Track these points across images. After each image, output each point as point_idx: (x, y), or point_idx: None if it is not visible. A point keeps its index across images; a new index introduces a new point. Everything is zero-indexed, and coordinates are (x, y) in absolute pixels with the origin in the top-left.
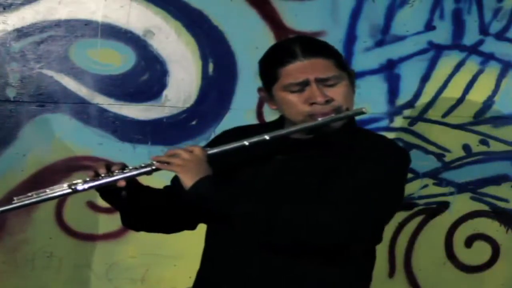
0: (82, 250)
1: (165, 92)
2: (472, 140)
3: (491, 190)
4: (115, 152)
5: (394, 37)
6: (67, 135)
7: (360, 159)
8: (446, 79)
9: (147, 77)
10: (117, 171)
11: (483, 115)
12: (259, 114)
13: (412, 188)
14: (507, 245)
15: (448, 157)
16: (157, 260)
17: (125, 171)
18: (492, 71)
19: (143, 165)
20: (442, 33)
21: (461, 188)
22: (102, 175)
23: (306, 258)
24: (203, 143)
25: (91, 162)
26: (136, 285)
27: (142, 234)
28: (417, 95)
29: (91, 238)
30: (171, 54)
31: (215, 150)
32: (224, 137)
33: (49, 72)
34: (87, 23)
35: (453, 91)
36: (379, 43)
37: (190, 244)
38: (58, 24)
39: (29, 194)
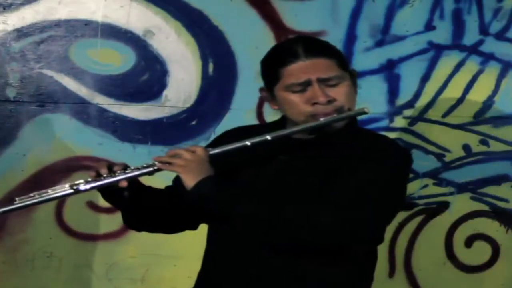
0: (82, 250)
1: (165, 92)
2: (472, 140)
3: (491, 190)
4: (115, 152)
5: (394, 37)
6: (67, 135)
7: (362, 159)
8: (446, 79)
9: (147, 77)
10: (119, 172)
11: (483, 115)
12: (259, 114)
13: (412, 188)
14: (507, 245)
15: (448, 157)
16: (157, 260)
17: (127, 171)
18: (492, 71)
19: (145, 165)
20: (442, 33)
21: (461, 188)
22: (104, 175)
23: (307, 258)
24: (203, 143)
25: (91, 162)
26: (136, 285)
27: (142, 234)
28: (417, 95)
29: (91, 238)
30: (171, 54)
31: (217, 150)
32: (225, 137)
33: (49, 72)
34: (87, 23)
35: (453, 91)
36: (379, 43)
37: (190, 244)
38: (58, 24)
39: (31, 194)
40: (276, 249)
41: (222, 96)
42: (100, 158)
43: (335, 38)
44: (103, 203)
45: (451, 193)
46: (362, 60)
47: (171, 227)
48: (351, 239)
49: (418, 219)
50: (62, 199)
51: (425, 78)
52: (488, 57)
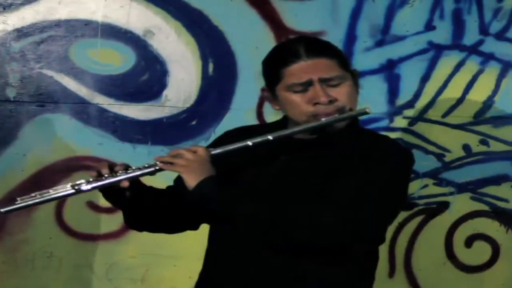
0: (82, 250)
1: (165, 92)
2: (472, 140)
3: (491, 190)
4: (115, 152)
5: (394, 37)
6: (67, 135)
7: (363, 160)
8: (446, 79)
9: (147, 77)
10: (120, 172)
11: (483, 115)
12: (259, 114)
13: (412, 188)
14: (507, 245)
15: (448, 157)
16: (157, 260)
17: (128, 171)
18: (492, 71)
19: (146, 165)
20: (442, 33)
21: (461, 188)
22: (106, 175)
23: (309, 258)
24: (203, 143)
25: (91, 162)
26: (136, 285)
27: (142, 234)
28: (417, 95)
29: (91, 238)
30: (171, 54)
31: (218, 150)
32: (227, 137)
33: (49, 72)
34: (87, 23)
35: (453, 91)
36: (379, 43)
37: (190, 244)
38: (58, 24)
39: (33, 194)
40: (278, 249)
41: (222, 96)
42: (100, 158)
43: (335, 38)
44: (103, 203)
45: (451, 193)
46: (362, 60)
47: (173, 227)
48: (352, 239)
49: (418, 219)
50: (62, 199)
51: (425, 78)
52: (488, 57)
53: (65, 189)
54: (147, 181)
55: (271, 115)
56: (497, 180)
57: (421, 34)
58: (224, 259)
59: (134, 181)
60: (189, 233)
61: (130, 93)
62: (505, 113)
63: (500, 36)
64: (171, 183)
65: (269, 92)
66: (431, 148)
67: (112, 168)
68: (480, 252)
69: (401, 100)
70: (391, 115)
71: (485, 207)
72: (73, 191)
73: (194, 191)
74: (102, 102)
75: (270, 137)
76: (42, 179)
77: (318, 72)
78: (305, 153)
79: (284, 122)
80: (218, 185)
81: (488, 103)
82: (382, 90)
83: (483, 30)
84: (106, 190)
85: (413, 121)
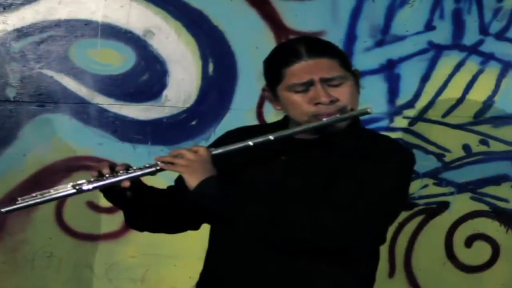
0: (82, 250)
1: (165, 92)
2: (472, 140)
3: (491, 190)
4: (115, 152)
5: (394, 37)
6: (67, 135)
7: (365, 160)
8: (446, 79)
9: (147, 77)
10: (121, 172)
11: (483, 115)
12: (259, 114)
13: (412, 188)
14: (507, 245)
15: (448, 157)
16: (157, 260)
17: (129, 171)
18: (492, 71)
19: (147, 165)
20: (442, 33)
21: (461, 188)
22: (107, 175)
23: (309, 258)
24: (203, 143)
25: (91, 162)
26: (136, 285)
27: (142, 234)
28: (417, 95)
29: (91, 238)
30: (171, 54)
31: (219, 150)
32: (227, 137)
33: (49, 72)
34: (87, 23)
35: (453, 91)
36: (379, 43)
37: (190, 244)
38: (58, 24)
39: (33, 194)
40: (278, 249)
41: (222, 96)
42: (100, 158)
43: (335, 38)
44: (103, 203)
45: (451, 193)
46: (362, 60)
47: (173, 227)
48: (352, 240)
49: (418, 219)
50: (62, 199)
51: (425, 78)
52: (488, 57)
53: (66, 189)
54: (148, 181)
55: (271, 115)
56: (497, 180)
57: (421, 34)
58: (225, 259)
59: (135, 181)
60: (189, 233)
61: (130, 93)
62: (505, 113)
63: (500, 36)
64: (172, 183)
65: (270, 92)
66: (431, 148)
67: (113, 168)
68: (480, 252)
69: (401, 100)
70: (391, 115)
71: (485, 207)
72: (74, 191)
73: (195, 191)
74: (102, 102)
75: (271, 137)
76: (42, 179)
77: (319, 72)
78: (306, 153)
79: (285, 122)
80: (219, 185)
81: (488, 103)
82: (382, 90)
83: (483, 30)
84: (107, 190)
85: (413, 121)
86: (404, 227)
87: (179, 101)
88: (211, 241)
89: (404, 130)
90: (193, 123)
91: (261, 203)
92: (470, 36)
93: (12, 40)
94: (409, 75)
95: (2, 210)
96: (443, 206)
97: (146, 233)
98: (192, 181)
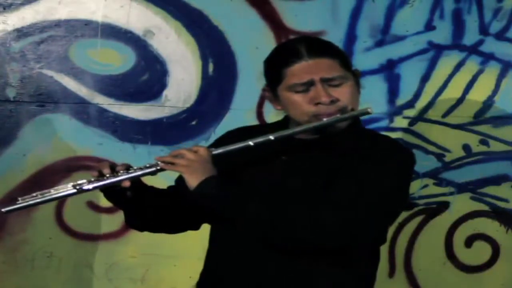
0: (82, 250)
1: (165, 92)
2: (472, 140)
3: (491, 190)
4: (115, 152)
5: (394, 37)
6: (67, 135)
7: (365, 160)
8: (446, 79)
9: (147, 77)
10: (121, 172)
11: (483, 115)
12: (259, 114)
13: (412, 188)
14: (507, 245)
15: (448, 157)
16: (157, 260)
17: (129, 171)
18: (492, 71)
19: (147, 165)
20: (442, 33)
21: (461, 188)
22: (107, 175)
23: (309, 258)
24: (203, 143)
25: (91, 162)
26: (136, 285)
27: (142, 234)
28: (417, 95)
29: (91, 238)
30: (171, 54)
31: (219, 150)
32: (228, 137)
33: (49, 72)
34: (87, 23)
35: (453, 91)
36: (379, 43)
37: (190, 244)
38: (58, 24)
39: (34, 194)
40: (278, 249)
41: (222, 96)
42: (100, 158)
43: (335, 38)
44: (103, 203)
45: (451, 193)
46: (362, 60)
47: (174, 227)
48: (352, 240)
49: (418, 219)
50: (62, 199)
51: (425, 78)
52: (488, 57)
53: (66, 189)
54: (148, 181)
55: (271, 115)
56: (497, 180)
57: (421, 34)
58: (225, 259)
59: (136, 181)
60: (189, 233)
61: (130, 93)
62: (505, 113)
63: (500, 36)
64: (172, 183)
65: (270, 92)
66: (431, 148)
67: (114, 168)
68: (480, 252)
69: (401, 100)
70: (391, 115)
71: (485, 207)
72: (74, 191)
73: (195, 191)
74: (102, 102)
75: (271, 137)
76: (42, 179)
77: (320, 72)
78: (307, 153)
79: (285, 122)
80: (219, 185)
81: (488, 103)
82: (382, 90)
83: (483, 30)
84: (107, 190)
85: (413, 121)
86: (404, 227)
87: (179, 101)
88: (211, 241)
89: (404, 130)
90: (193, 123)
91: (261, 203)
92: (470, 36)
93: (12, 40)
94: (409, 75)
95: (2, 210)
96: (443, 206)
97: (146, 233)
98: (192, 181)
